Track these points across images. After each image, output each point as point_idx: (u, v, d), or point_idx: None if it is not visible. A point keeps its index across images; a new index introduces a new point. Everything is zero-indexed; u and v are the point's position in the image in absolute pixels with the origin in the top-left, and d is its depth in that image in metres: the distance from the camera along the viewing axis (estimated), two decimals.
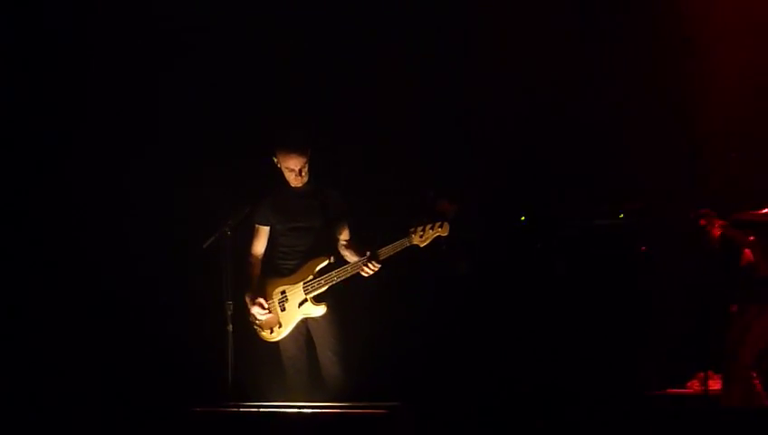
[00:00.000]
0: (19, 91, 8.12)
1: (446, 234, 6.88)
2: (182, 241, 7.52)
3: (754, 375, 6.92)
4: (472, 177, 8.02)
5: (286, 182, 7.10)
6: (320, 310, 7.00)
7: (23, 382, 7.81)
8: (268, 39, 8.13)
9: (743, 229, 6.92)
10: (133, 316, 7.93)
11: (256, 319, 7.10)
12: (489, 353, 7.71)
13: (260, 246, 7.19)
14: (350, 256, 7.07)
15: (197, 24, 8.07)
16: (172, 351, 7.76)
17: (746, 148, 7.54)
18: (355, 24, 8.12)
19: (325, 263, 7.02)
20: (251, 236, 7.19)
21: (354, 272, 6.94)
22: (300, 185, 7.08)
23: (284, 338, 7.07)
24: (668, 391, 7.50)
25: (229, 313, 6.92)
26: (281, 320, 7.06)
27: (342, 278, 6.96)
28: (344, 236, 7.15)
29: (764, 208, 7.00)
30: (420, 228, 6.88)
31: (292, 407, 6.49)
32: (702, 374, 6.86)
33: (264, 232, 7.18)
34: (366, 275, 6.93)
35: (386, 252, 6.90)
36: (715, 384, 7.14)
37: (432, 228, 6.87)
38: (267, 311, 7.06)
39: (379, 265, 6.90)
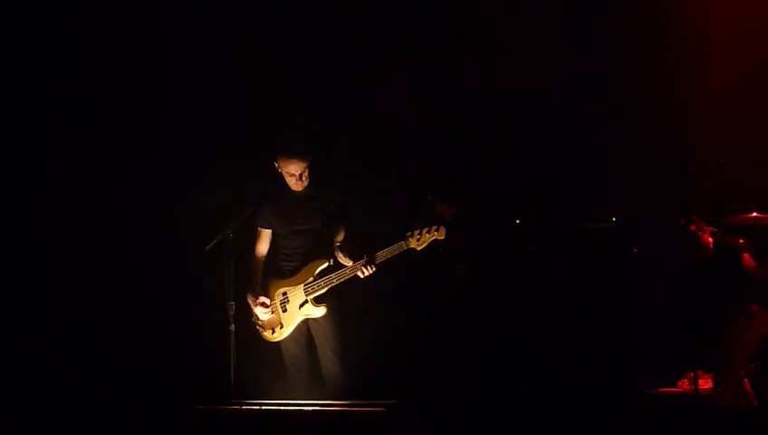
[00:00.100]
0: (21, 94, 8.17)
1: (442, 237, 6.97)
2: (185, 243, 7.57)
3: (743, 375, 7.04)
4: (470, 179, 8.08)
5: (287, 186, 7.15)
6: (320, 311, 7.08)
7: (27, 382, 7.84)
8: (269, 41, 8.17)
9: (733, 233, 7.01)
10: (137, 316, 7.99)
11: (259, 319, 7.18)
12: (487, 353, 7.76)
13: (263, 249, 7.25)
14: (343, 258, 7.12)
15: (199, 25, 8.12)
16: (175, 350, 7.82)
17: (737, 152, 7.64)
18: (355, 27, 8.16)
19: (325, 265, 7.10)
20: (253, 239, 7.25)
21: (352, 274, 7.03)
22: (300, 189, 7.14)
23: (286, 338, 7.15)
24: (659, 390, 7.59)
25: (231, 313, 6.98)
26: (282, 320, 7.13)
27: (341, 280, 7.04)
28: (339, 237, 7.21)
29: (753, 212, 7.11)
30: (417, 232, 6.97)
31: (293, 405, 6.57)
32: (691, 374, 6.96)
33: (266, 235, 7.25)
34: (363, 276, 7.02)
35: (383, 255, 6.99)
36: (705, 384, 7.24)
37: (429, 232, 6.97)
38: (270, 311, 7.13)
39: (375, 268, 6.98)
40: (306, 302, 7.09)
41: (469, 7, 8.21)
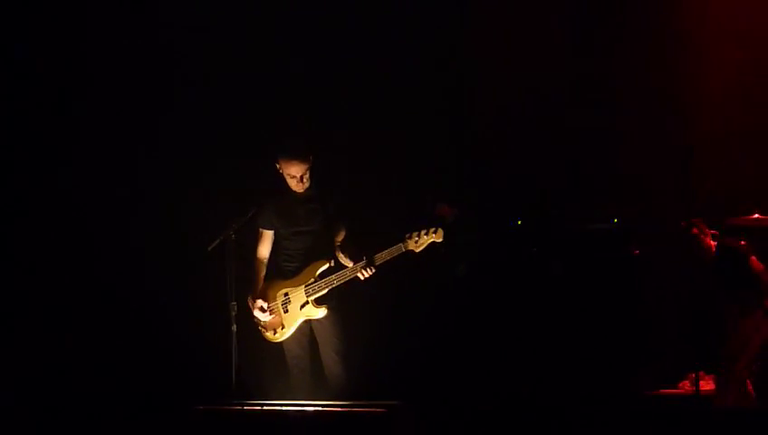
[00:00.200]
0: (21, 94, 8.18)
1: (440, 240, 7.01)
2: (187, 243, 7.61)
3: (746, 376, 7.03)
4: (470, 180, 8.09)
5: (288, 187, 7.17)
6: (321, 312, 7.11)
7: (27, 382, 7.86)
8: (270, 41, 8.17)
9: (735, 234, 7.01)
10: (139, 316, 8.00)
11: (260, 321, 7.20)
12: (487, 354, 7.78)
13: (265, 250, 7.27)
14: (344, 259, 7.15)
15: (201, 26, 8.13)
16: (177, 350, 7.83)
17: (737, 153, 7.65)
18: (355, 27, 8.17)
19: (326, 266, 7.13)
20: (255, 240, 7.27)
21: (352, 276, 7.05)
22: (302, 190, 7.16)
23: (288, 338, 7.17)
24: (661, 391, 7.59)
25: (233, 313, 7.01)
26: (284, 321, 7.15)
27: (342, 282, 7.07)
28: (339, 237, 7.23)
29: (754, 213, 7.11)
30: (415, 234, 7.01)
31: (295, 405, 6.58)
32: (693, 375, 6.94)
33: (268, 236, 7.27)
34: (363, 278, 7.05)
35: (382, 257, 7.02)
36: (707, 385, 7.24)
37: (427, 234, 7.01)
38: (268, 313, 7.15)
39: (375, 270, 7.01)
40: (307, 303, 7.11)
41: (470, 7, 8.21)
